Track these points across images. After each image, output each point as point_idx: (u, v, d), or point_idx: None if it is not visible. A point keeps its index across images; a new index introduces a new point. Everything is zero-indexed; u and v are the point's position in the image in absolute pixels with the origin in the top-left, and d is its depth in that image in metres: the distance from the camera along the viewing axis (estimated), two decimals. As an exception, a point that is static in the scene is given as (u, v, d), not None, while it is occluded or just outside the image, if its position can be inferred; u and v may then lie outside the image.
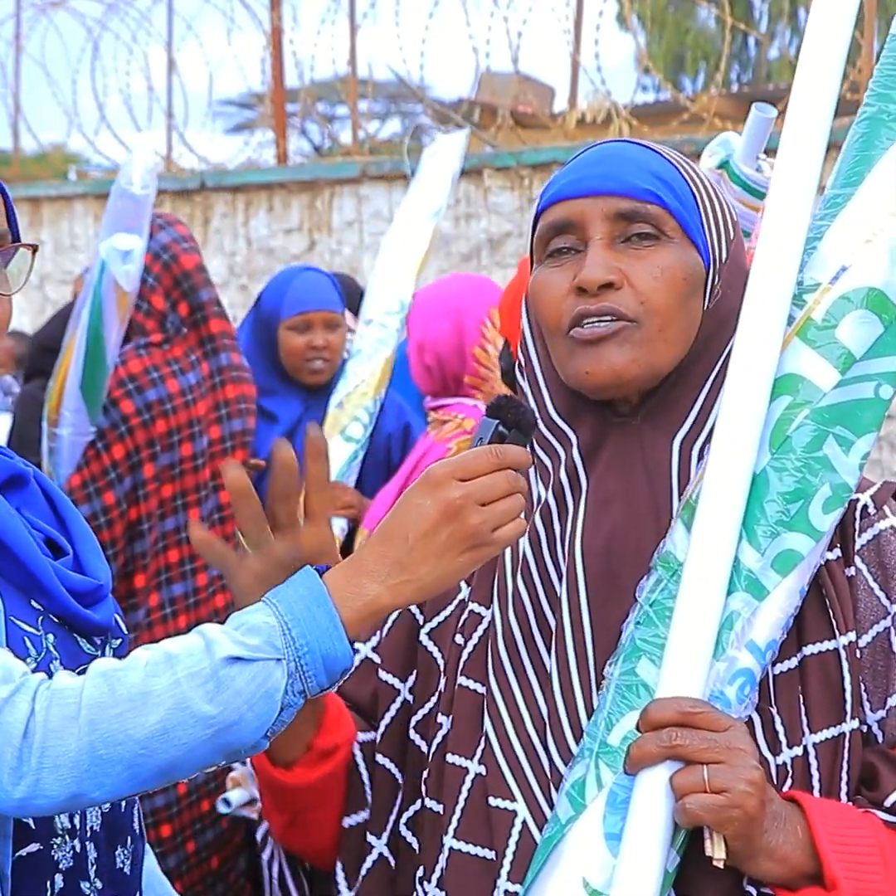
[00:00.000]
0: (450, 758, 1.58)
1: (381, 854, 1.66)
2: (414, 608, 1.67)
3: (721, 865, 1.41)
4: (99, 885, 1.57)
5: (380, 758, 1.66)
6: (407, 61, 7.32)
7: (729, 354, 1.54)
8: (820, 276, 1.54)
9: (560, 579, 1.56)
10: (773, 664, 1.50)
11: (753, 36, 11.73)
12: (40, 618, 1.53)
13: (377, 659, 1.69)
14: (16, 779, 1.34)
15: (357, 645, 1.54)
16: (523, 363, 1.64)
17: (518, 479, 1.44)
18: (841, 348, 1.51)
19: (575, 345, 1.54)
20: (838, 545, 1.55)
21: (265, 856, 1.78)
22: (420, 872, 1.60)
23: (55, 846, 1.52)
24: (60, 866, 1.52)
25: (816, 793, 1.49)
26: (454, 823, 1.56)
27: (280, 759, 1.63)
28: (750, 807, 1.39)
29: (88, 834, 1.56)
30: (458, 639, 1.62)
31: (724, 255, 1.59)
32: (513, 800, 1.53)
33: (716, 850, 1.40)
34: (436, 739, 1.61)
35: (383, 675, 1.67)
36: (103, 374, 3.53)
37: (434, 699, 1.63)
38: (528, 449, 1.48)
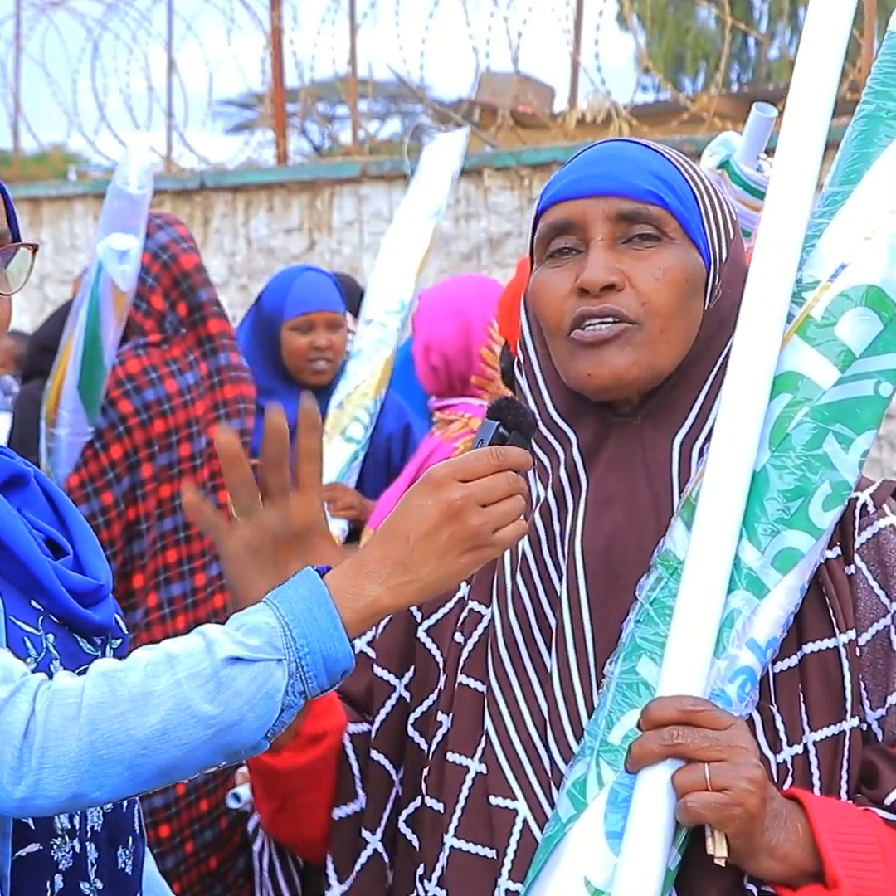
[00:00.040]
0: (450, 756, 1.58)
1: (375, 850, 1.65)
2: None
3: (723, 863, 1.41)
4: (99, 885, 1.57)
5: (374, 753, 1.66)
6: (407, 61, 7.33)
7: (729, 353, 1.54)
8: (819, 274, 1.54)
9: (560, 578, 1.56)
10: (774, 662, 1.50)
11: (753, 36, 11.73)
12: (40, 618, 1.53)
13: (372, 653, 1.68)
14: (16, 779, 1.34)
15: None
16: (522, 363, 1.64)
17: (519, 480, 1.44)
18: (840, 346, 1.51)
19: (576, 347, 1.54)
20: (838, 543, 1.55)
21: (256, 847, 1.78)
22: (420, 871, 1.60)
23: (55, 846, 1.52)
24: (60, 866, 1.52)
25: (817, 791, 1.49)
26: (455, 822, 1.56)
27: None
28: (751, 805, 1.39)
29: (89, 834, 1.56)
30: (458, 637, 1.62)
31: (724, 255, 1.59)
32: (514, 798, 1.53)
33: (717, 849, 1.40)
34: (436, 738, 1.61)
35: (378, 670, 1.67)
36: (101, 374, 3.53)
37: (433, 697, 1.63)
38: (529, 450, 1.49)
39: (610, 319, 1.53)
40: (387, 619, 1.68)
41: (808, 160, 1.54)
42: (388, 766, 1.66)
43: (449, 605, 1.65)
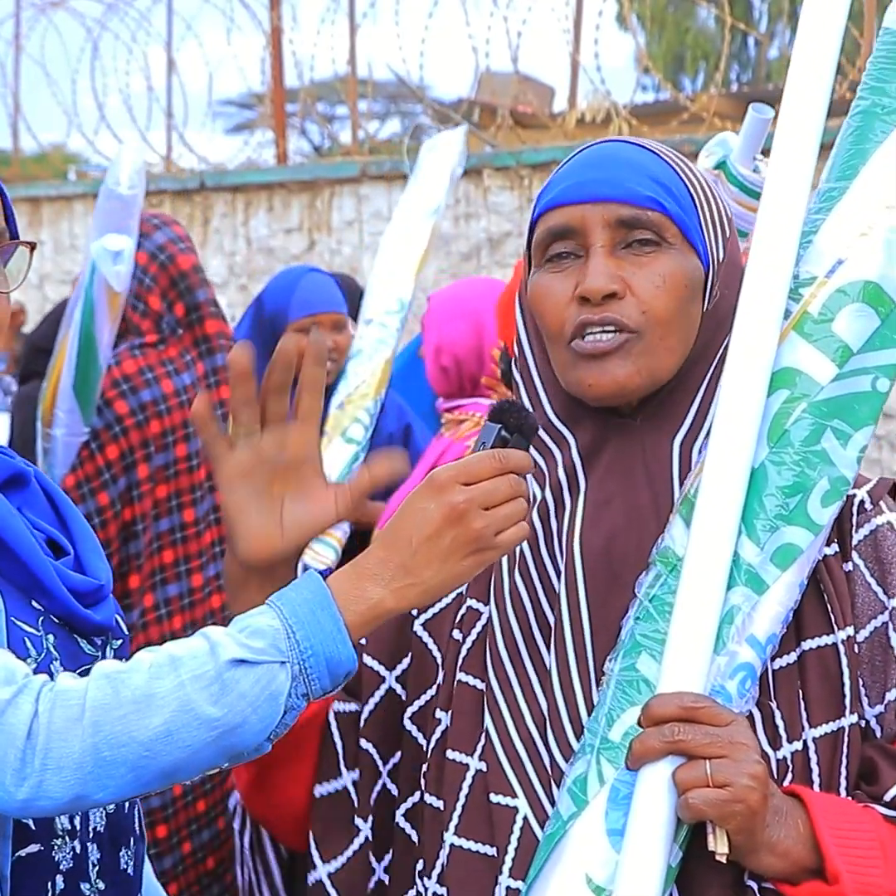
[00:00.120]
0: (450, 754, 1.58)
1: (366, 836, 1.65)
2: None
3: (724, 860, 1.41)
4: (100, 886, 1.57)
5: (363, 742, 1.66)
6: (407, 61, 7.32)
7: (727, 352, 1.55)
8: (816, 270, 1.54)
9: (558, 576, 1.56)
10: (773, 659, 1.51)
11: (753, 36, 11.73)
12: (41, 618, 1.53)
13: (363, 640, 1.68)
14: (19, 780, 1.34)
15: None
16: (519, 364, 1.64)
17: (520, 483, 1.45)
18: (838, 342, 1.52)
19: (577, 357, 1.54)
20: (835, 540, 1.55)
21: (237, 824, 1.78)
22: (419, 866, 1.60)
23: (55, 847, 1.52)
24: (61, 867, 1.52)
25: (816, 787, 1.49)
26: (455, 820, 1.56)
27: None
28: (752, 801, 1.39)
29: (91, 835, 1.56)
30: (456, 634, 1.63)
31: (721, 255, 1.59)
32: (514, 796, 1.53)
33: (718, 845, 1.41)
34: (434, 735, 1.61)
35: (367, 659, 1.66)
36: (96, 374, 3.52)
37: (431, 692, 1.63)
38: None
39: (611, 328, 1.53)
40: None
41: (803, 159, 1.54)
42: (376, 756, 1.66)
43: (446, 601, 1.65)
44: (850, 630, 1.52)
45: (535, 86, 9.17)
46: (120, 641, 1.67)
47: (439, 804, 1.58)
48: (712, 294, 1.58)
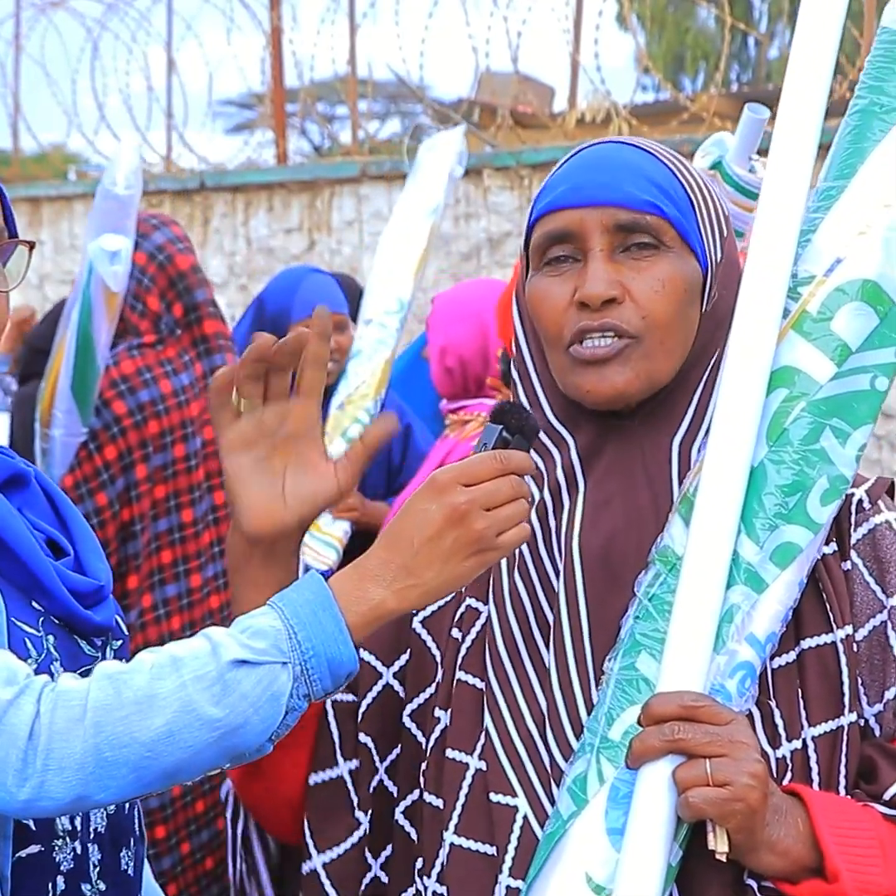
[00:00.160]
0: (449, 753, 1.58)
1: (366, 831, 1.65)
2: None
3: (724, 859, 1.41)
4: (101, 887, 1.57)
5: (362, 736, 1.66)
6: (407, 61, 7.31)
7: (725, 352, 1.55)
8: (814, 269, 1.54)
9: (558, 576, 1.57)
10: (772, 658, 1.51)
11: (753, 36, 11.72)
12: (41, 619, 1.53)
13: None
14: (21, 781, 1.34)
15: None
16: (517, 366, 1.64)
17: (522, 484, 1.45)
18: (837, 340, 1.52)
19: (576, 363, 1.55)
20: (834, 539, 1.56)
21: (230, 813, 1.78)
22: (419, 865, 1.60)
23: (56, 848, 1.52)
24: (61, 868, 1.53)
25: (816, 786, 1.49)
26: (455, 819, 1.56)
27: None
28: (752, 800, 1.39)
29: (92, 835, 1.57)
30: (455, 633, 1.63)
31: (719, 256, 1.59)
32: (514, 795, 1.53)
33: (719, 844, 1.41)
34: (434, 733, 1.61)
35: (364, 653, 1.65)
36: (94, 374, 3.52)
37: (431, 691, 1.63)
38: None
39: (610, 334, 1.53)
40: None
41: (802, 158, 1.54)
42: (373, 751, 1.66)
43: (445, 599, 1.65)
44: (848, 629, 1.52)
45: (535, 86, 9.17)
46: (120, 642, 1.67)
47: (439, 803, 1.58)
48: (711, 295, 1.58)
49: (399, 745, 1.65)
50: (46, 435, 3.59)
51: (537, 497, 1.59)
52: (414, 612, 1.66)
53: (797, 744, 1.50)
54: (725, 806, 1.39)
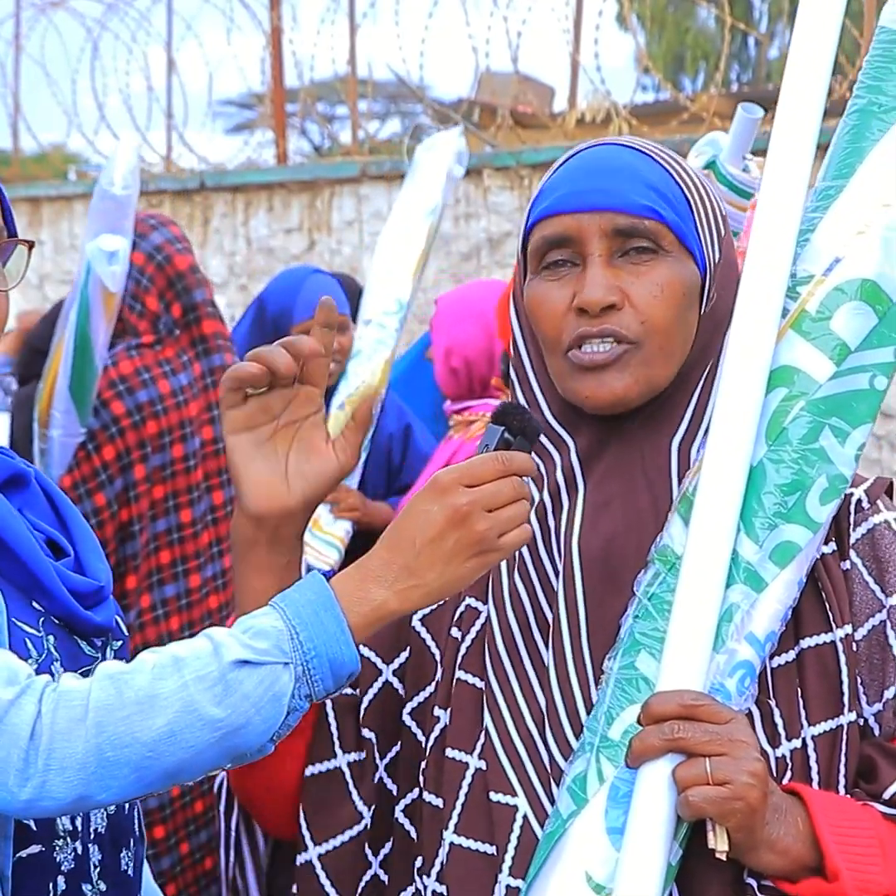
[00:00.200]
0: (449, 752, 1.58)
1: (367, 826, 1.65)
2: None
3: (724, 858, 1.41)
4: (102, 887, 1.57)
5: (365, 732, 1.66)
6: (407, 61, 7.32)
7: (724, 352, 1.55)
8: (813, 268, 1.55)
9: (557, 576, 1.57)
10: (771, 657, 1.51)
11: (753, 36, 11.73)
12: (41, 619, 1.53)
13: None
14: (22, 780, 1.34)
15: None
16: (515, 367, 1.64)
17: (523, 485, 1.45)
18: (836, 339, 1.52)
19: (574, 368, 1.55)
20: (833, 539, 1.56)
21: (222, 807, 1.77)
22: (418, 864, 1.60)
23: (57, 848, 1.52)
24: (62, 868, 1.52)
25: (815, 785, 1.50)
26: (454, 818, 1.56)
27: None
28: (752, 798, 1.39)
29: (92, 836, 1.56)
30: (455, 632, 1.63)
31: (717, 257, 1.59)
32: (514, 795, 1.53)
33: (719, 843, 1.41)
34: (433, 732, 1.61)
35: (364, 650, 1.65)
36: (92, 375, 3.52)
37: (430, 689, 1.63)
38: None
39: (609, 340, 1.53)
40: None
41: (801, 158, 1.54)
42: (375, 747, 1.66)
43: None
44: (848, 628, 1.53)
45: (535, 86, 9.17)
46: (120, 643, 1.67)
47: (438, 802, 1.58)
48: (709, 296, 1.58)
49: (399, 743, 1.65)
50: (45, 435, 3.58)
51: (537, 499, 1.60)
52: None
53: (797, 743, 1.50)
54: (725, 805, 1.39)
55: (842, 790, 1.51)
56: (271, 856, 1.78)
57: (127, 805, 1.62)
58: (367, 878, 1.65)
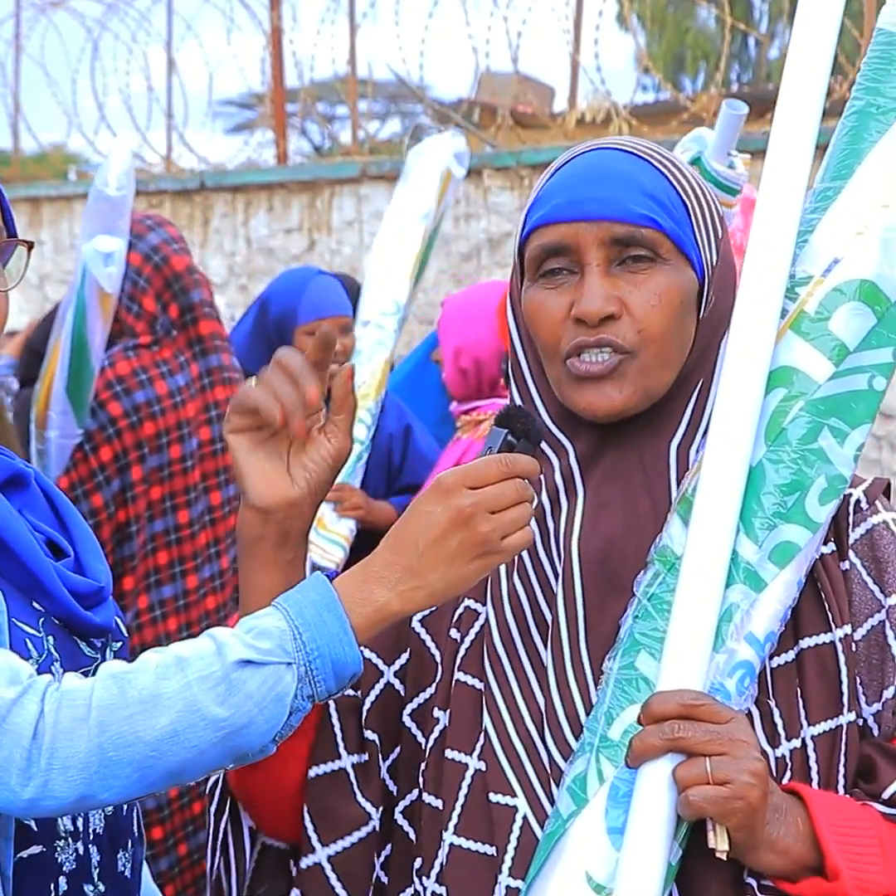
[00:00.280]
0: (449, 753, 1.58)
1: (375, 828, 1.64)
2: None
3: (724, 857, 1.41)
4: (101, 888, 1.57)
5: (368, 733, 1.65)
6: (407, 61, 7.32)
7: (723, 354, 1.55)
8: (812, 269, 1.55)
9: (556, 578, 1.57)
10: (771, 657, 1.51)
11: (753, 36, 11.73)
12: (41, 619, 1.53)
13: None
14: (25, 780, 1.34)
15: None
16: (514, 371, 1.64)
17: (527, 487, 1.46)
18: (835, 340, 1.52)
19: (573, 379, 1.55)
20: (832, 539, 1.56)
21: (214, 807, 1.76)
22: (417, 865, 1.60)
23: (58, 848, 1.52)
24: (64, 868, 1.53)
25: (815, 785, 1.50)
26: (454, 819, 1.56)
27: None
28: (753, 798, 1.39)
29: (91, 836, 1.57)
30: (454, 634, 1.63)
31: (715, 260, 1.59)
32: (513, 795, 1.53)
33: (719, 842, 1.41)
34: (433, 734, 1.61)
35: (365, 651, 1.65)
36: (89, 376, 3.51)
37: (430, 691, 1.63)
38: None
39: (606, 349, 1.53)
40: None
41: (799, 158, 1.54)
42: (378, 749, 1.65)
43: (445, 599, 1.66)
44: (847, 628, 1.53)
45: (535, 86, 9.17)
46: (120, 643, 1.67)
47: (438, 803, 1.58)
48: (708, 300, 1.58)
49: (400, 745, 1.65)
50: (42, 436, 3.58)
51: (536, 502, 1.60)
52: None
53: (796, 743, 1.50)
54: (726, 804, 1.39)
55: (841, 790, 1.51)
56: (256, 862, 1.77)
57: (125, 806, 1.62)
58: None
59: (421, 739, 1.63)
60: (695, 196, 1.58)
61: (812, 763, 1.50)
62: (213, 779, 1.75)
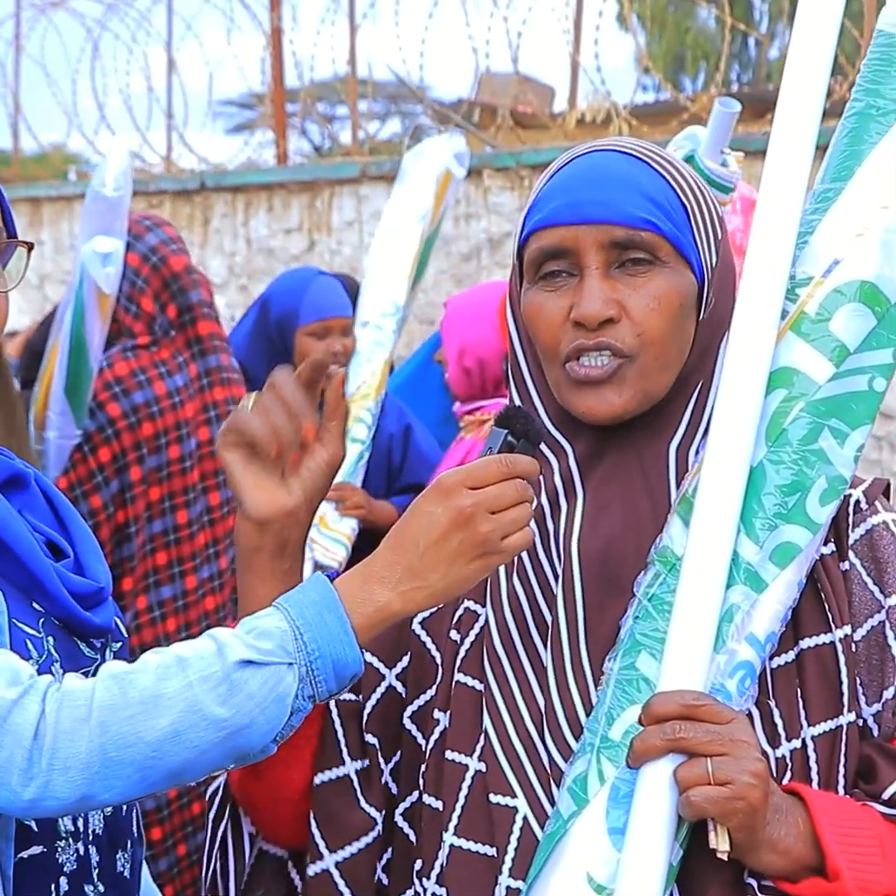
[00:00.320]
0: (449, 754, 1.58)
1: (380, 832, 1.64)
2: None
3: (725, 858, 1.42)
4: (101, 888, 1.57)
5: (369, 737, 1.66)
6: (407, 61, 7.32)
7: (722, 354, 1.55)
8: (812, 270, 1.55)
9: (556, 580, 1.57)
10: (771, 658, 1.51)
11: (753, 36, 11.73)
12: (41, 620, 1.53)
13: None
14: (26, 780, 1.34)
15: None
16: (513, 373, 1.64)
17: (527, 488, 1.46)
18: (835, 341, 1.52)
19: (572, 382, 1.55)
20: (832, 540, 1.56)
21: (212, 814, 1.76)
22: (418, 866, 1.60)
23: (59, 849, 1.52)
24: (65, 869, 1.52)
25: (815, 785, 1.50)
26: (454, 820, 1.56)
27: None
28: (754, 798, 1.39)
29: (90, 837, 1.56)
30: (454, 635, 1.63)
31: (715, 261, 1.59)
32: (513, 796, 1.53)
33: (720, 843, 1.41)
34: (433, 735, 1.61)
35: (367, 655, 1.65)
36: (87, 376, 3.51)
37: (431, 693, 1.63)
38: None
39: (606, 353, 1.53)
40: None
41: (800, 160, 1.54)
42: (379, 752, 1.65)
43: (445, 601, 1.66)
44: (847, 629, 1.53)
45: (535, 86, 9.16)
46: (119, 644, 1.67)
47: (438, 805, 1.58)
48: (707, 302, 1.58)
49: (401, 748, 1.65)
50: (41, 437, 3.58)
51: (535, 503, 1.59)
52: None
53: (796, 743, 1.50)
54: (727, 804, 1.39)
55: (841, 790, 1.51)
56: (252, 865, 1.77)
57: (124, 806, 1.61)
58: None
59: (421, 741, 1.63)
60: (694, 198, 1.58)
61: (812, 763, 1.50)
62: (213, 786, 1.75)
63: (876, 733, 1.53)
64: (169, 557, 3.59)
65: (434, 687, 1.63)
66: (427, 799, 1.60)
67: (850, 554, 1.56)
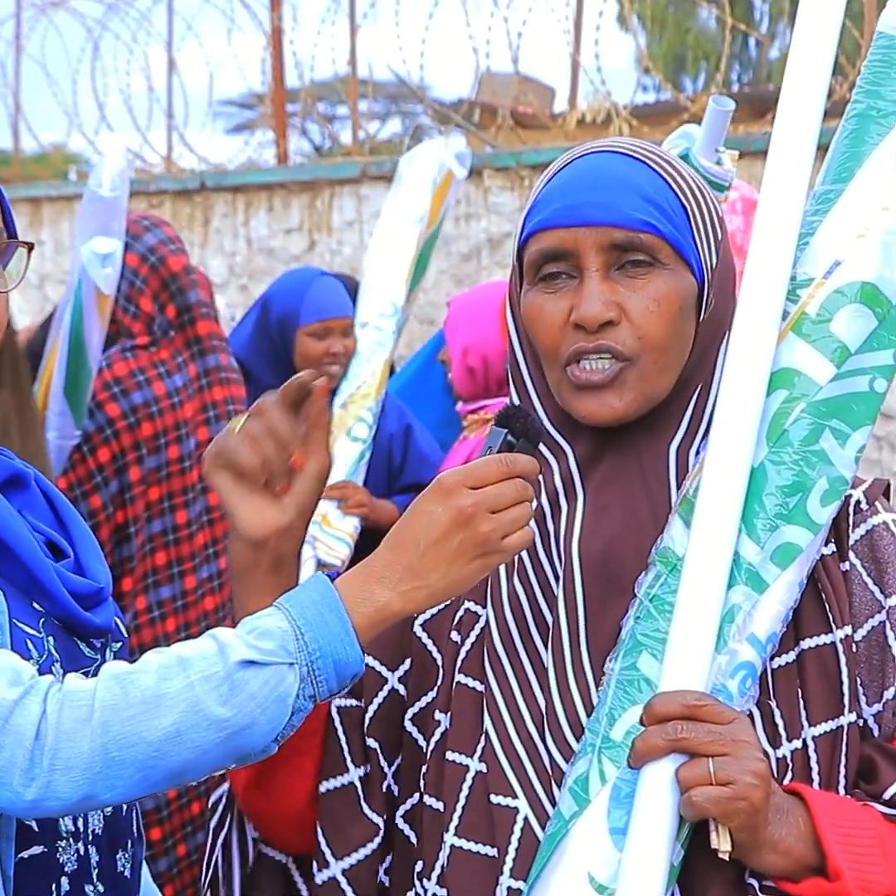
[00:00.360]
0: (449, 755, 1.58)
1: (383, 837, 1.64)
2: None
3: (727, 858, 1.42)
4: (101, 888, 1.57)
5: (370, 741, 1.66)
6: (407, 61, 7.30)
7: (723, 355, 1.55)
8: (813, 271, 1.55)
9: (557, 580, 1.57)
10: (772, 658, 1.51)
11: (754, 36, 11.73)
12: (42, 620, 1.53)
13: None
14: (27, 780, 1.34)
15: None
16: (513, 374, 1.64)
17: (527, 487, 1.46)
18: (836, 342, 1.52)
19: (573, 386, 1.55)
20: (832, 540, 1.56)
21: (214, 822, 1.77)
22: (419, 868, 1.60)
23: (60, 849, 1.52)
24: (65, 869, 1.52)
25: (816, 786, 1.50)
26: (455, 821, 1.56)
27: None
28: (756, 798, 1.40)
29: (90, 837, 1.56)
30: (455, 636, 1.63)
31: (715, 262, 1.59)
32: (514, 797, 1.53)
33: (721, 843, 1.41)
34: (434, 736, 1.61)
35: (368, 659, 1.65)
36: (86, 377, 3.51)
37: (432, 694, 1.63)
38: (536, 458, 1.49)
39: (606, 356, 1.53)
40: None
41: (800, 161, 1.55)
42: (380, 756, 1.66)
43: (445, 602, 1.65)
44: (848, 629, 1.53)
45: (536, 86, 9.16)
46: (120, 644, 1.67)
47: (439, 806, 1.58)
48: (707, 303, 1.58)
49: (402, 751, 1.65)
50: (40, 437, 3.58)
51: (535, 504, 1.59)
52: (415, 616, 1.66)
53: (797, 744, 1.50)
54: (728, 805, 1.39)
55: (842, 790, 1.51)
56: (251, 868, 1.77)
57: (124, 806, 1.61)
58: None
59: (422, 743, 1.63)
60: (694, 199, 1.58)
61: (813, 764, 1.50)
62: (215, 795, 1.76)
63: (876, 733, 1.53)
64: (168, 557, 3.59)
65: (435, 688, 1.63)
66: (428, 800, 1.60)
67: (851, 554, 1.56)
